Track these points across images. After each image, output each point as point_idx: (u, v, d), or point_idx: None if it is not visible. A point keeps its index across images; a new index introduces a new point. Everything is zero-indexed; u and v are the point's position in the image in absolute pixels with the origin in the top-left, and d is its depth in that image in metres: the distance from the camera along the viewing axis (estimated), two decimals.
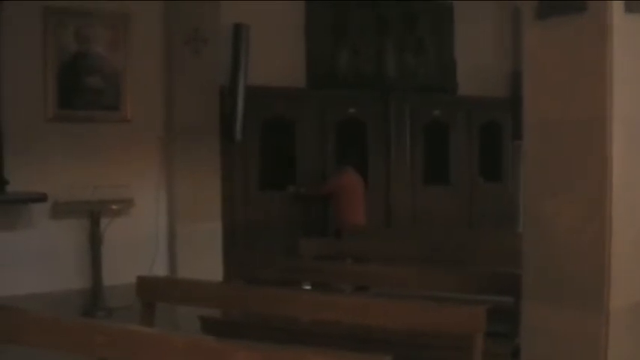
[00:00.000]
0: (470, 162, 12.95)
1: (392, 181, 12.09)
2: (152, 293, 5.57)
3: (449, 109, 12.67)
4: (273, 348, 3.50)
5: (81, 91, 9.36)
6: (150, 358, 3.77)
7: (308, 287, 6.64)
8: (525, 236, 4.40)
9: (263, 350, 3.41)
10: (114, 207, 9.31)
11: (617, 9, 3.93)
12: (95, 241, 9.24)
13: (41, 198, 8.74)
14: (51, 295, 8.80)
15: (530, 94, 4.32)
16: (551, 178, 4.21)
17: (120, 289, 9.09)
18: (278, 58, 10.76)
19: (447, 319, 4.62)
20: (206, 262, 9.55)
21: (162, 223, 9.93)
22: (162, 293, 5.60)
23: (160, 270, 9.66)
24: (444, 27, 12.58)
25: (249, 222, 10.63)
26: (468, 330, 4.52)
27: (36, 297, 8.53)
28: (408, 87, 12.13)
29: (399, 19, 12.03)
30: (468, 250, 7.82)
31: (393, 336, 5.09)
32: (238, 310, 5.90)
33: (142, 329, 4.04)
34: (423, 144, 12.47)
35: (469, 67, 12.58)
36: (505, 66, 12.94)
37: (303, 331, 5.66)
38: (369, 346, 4.96)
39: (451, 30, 12.64)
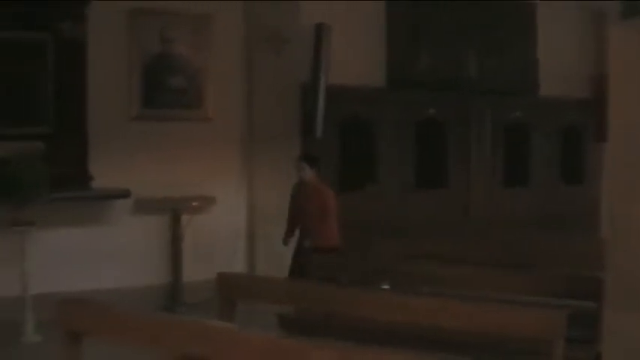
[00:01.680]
0: (550, 164, 12.79)
1: (471, 183, 12.00)
2: (232, 290, 5.65)
3: (530, 110, 12.53)
4: (349, 347, 3.52)
5: (164, 90, 9.54)
6: (228, 354, 3.82)
7: (386, 287, 6.64)
8: (608, 240, 4.32)
9: (340, 349, 3.43)
10: (195, 204, 9.45)
11: None
12: (176, 238, 9.39)
13: (124, 194, 8.94)
14: (132, 290, 8.97)
15: (616, 96, 4.25)
16: (636, 181, 4.13)
17: (199, 286, 9.24)
18: (358, 57, 10.76)
19: (525, 322, 4.58)
20: (284, 261, 9.60)
21: (241, 220, 10.05)
22: (242, 290, 5.68)
23: (239, 267, 9.77)
24: (526, 28, 12.44)
25: None
26: (548, 335, 4.47)
27: (117, 292, 8.71)
28: (489, 88, 12.02)
29: (480, 19, 11.93)
30: (543, 253, 7.71)
31: (469, 338, 5.06)
32: (315, 309, 5.92)
33: (221, 325, 4.09)
34: (503, 145, 12.35)
35: (551, 68, 12.42)
36: (587, 67, 12.74)
37: (380, 331, 5.66)
38: (445, 348, 4.95)
39: (533, 31, 12.50)
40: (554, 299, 5.59)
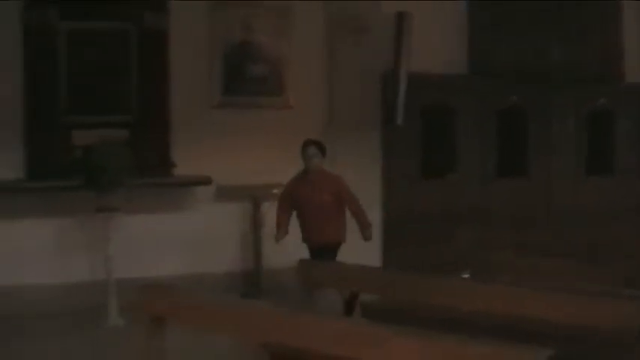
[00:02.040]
0: (637, 152, 12.49)
1: (553, 172, 11.81)
2: (312, 277, 5.68)
3: (614, 97, 12.26)
4: (430, 335, 3.50)
5: (245, 78, 9.62)
6: (310, 340, 3.84)
7: (466, 276, 6.60)
8: None
9: (420, 337, 3.42)
10: (275, 191, 9.47)
11: None
12: (256, 225, 9.46)
13: (206, 182, 9.05)
14: (211, 276, 9.08)
15: None
16: None
17: (279, 273, 9.30)
18: (439, 45, 10.66)
19: (608, 313, 4.50)
20: (364, 249, 9.58)
21: None
22: (323, 277, 5.70)
23: None
24: (610, 14, 12.17)
25: (410, 209, 10.58)
26: (631, 325, 4.39)
27: (197, 278, 8.84)
28: (572, 75, 11.80)
29: (564, 6, 11.71)
30: (628, 244, 7.56)
31: (550, 329, 4.99)
32: (398, 297, 5.91)
33: (303, 313, 4.11)
34: (586, 134, 12.11)
35: (636, 55, 12.13)
36: None
37: (460, 320, 5.63)
38: (525, 338, 4.88)
39: (618, 17, 12.22)
40: (636, 291, 5.49)
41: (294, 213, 8.11)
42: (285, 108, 9.78)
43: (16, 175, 8.66)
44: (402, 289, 5.51)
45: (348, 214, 8.14)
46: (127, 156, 7.96)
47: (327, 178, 8.01)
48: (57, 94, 8.82)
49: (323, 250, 7.76)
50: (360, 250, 9.00)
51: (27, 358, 7.10)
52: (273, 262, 9.40)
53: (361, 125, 9.95)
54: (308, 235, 8.02)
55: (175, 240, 9.12)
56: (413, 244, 10.23)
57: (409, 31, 10.23)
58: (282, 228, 8.04)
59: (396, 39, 10.23)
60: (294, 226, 8.12)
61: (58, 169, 8.57)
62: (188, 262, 9.09)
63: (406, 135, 10.49)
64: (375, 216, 10.04)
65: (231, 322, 4.28)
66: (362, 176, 9.97)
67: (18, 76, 8.71)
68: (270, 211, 9.41)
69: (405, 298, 5.83)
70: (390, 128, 10.25)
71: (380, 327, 3.59)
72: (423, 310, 5.86)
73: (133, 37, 9.08)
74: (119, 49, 9.07)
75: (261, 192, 9.43)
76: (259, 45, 9.67)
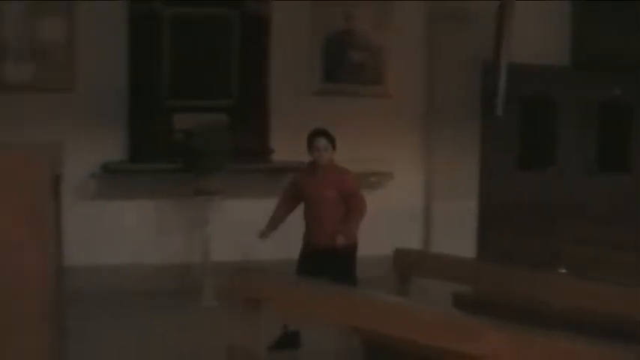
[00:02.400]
0: None
1: None
2: (408, 266, 5.69)
3: None
4: (524, 330, 3.48)
5: (345, 66, 9.65)
6: (404, 329, 3.86)
7: (563, 271, 6.52)
8: None
9: (513, 331, 3.40)
10: (372, 179, 9.53)
11: None
12: None
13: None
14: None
15: None
16: None
17: (373, 261, 9.31)
18: (542, 35, 10.49)
19: None
20: (459, 240, 9.55)
21: (418, 198, 10.06)
22: (419, 266, 5.70)
23: (413, 244, 9.77)
24: None
25: (507, 201, 10.47)
26: None
27: (291, 263, 8.91)
28: None
29: None
30: None
31: None
32: (491, 290, 5.87)
33: (398, 301, 4.13)
34: None
35: None
36: None
37: (554, 316, 5.56)
38: (622, 338, 4.80)
39: None
40: None
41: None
42: (385, 97, 9.78)
43: (120, 158, 8.88)
44: (496, 281, 5.47)
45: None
46: (227, 140, 8.08)
47: (342, 175, 7.20)
48: (160, 79, 9.00)
49: (321, 254, 6.94)
50: (454, 242, 9.00)
51: (122, 335, 7.29)
52: (369, 250, 9.42)
53: (460, 116, 9.89)
54: (307, 235, 7.24)
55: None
56: (508, 236, 10.12)
57: (511, 20, 10.10)
58: (271, 224, 7.37)
59: (497, 28, 10.11)
60: None
61: (159, 152, 8.78)
62: (282, 248, 9.15)
63: (505, 126, 10.38)
64: (470, 207, 10.01)
65: (326, 306, 4.32)
66: (459, 167, 9.94)
67: (123, 62, 8.91)
68: (367, 199, 9.47)
69: (499, 291, 5.80)
70: (489, 119, 10.15)
71: (476, 319, 3.58)
72: (517, 304, 5.83)
73: (235, 23, 9.21)
74: (221, 35, 9.21)
75: (358, 179, 9.43)
76: (360, 33, 9.70)
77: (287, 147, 9.14)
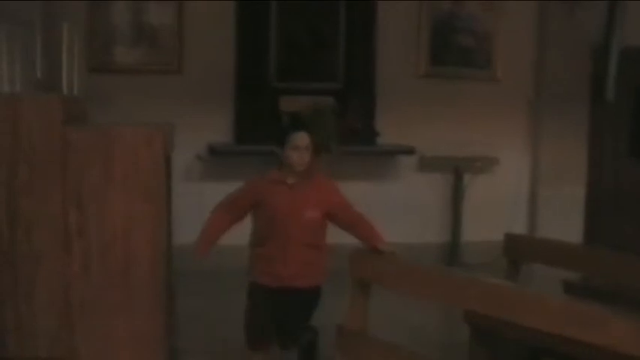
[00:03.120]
0: None
1: None
2: (518, 251, 5.61)
3: None
4: None
5: (453, 49, 9.54)
6: (520, 315, 3.81)
7: None
8: None
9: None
10: (478, 164, 9.44)
11: None
12: (457, 197, 9.44)
13: (409, 151, 9.08)
14: (410, 246, 9.06)
15: None
16: None
17: (477, 247, 9.25)
18: None
19: None
20: (566, 227, 9.38)
21: (524, 183, 9.91)
22: (529, 252, 5.62)
23: (519, 231, 9.63)
24: None
25: (616, 188, 10.22)
26: None
27: (397, 247, 8.88)
28: None
29: None
30: None
31: None
32: (604, 278, 5.75)
33: (514, 286, 4.06)
34: None
35: None
36: None
37: None
38: None
39: None
40: None
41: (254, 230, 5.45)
42: (492, 81, 9.64)
43: (226, 140, 8.97)
44: (608, 270, 5.36)
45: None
46: (335, 123, 8.08)
47: (324, 187, 5.42)
48: (267, 61, 9.05)
49: (282, 295, 5.14)
50: (560, 229, 8.85)
51: (224, 311, 7.38)
52: (474, 236, 9.37)
53: (569, 101, 9.68)
54: (261, 269, 5.30)
55: (377, 208, 9.16)
56: (617, 225, 9.91)
57: (624, 2, 9.84)
58: (207, 240, 5.39)
59: (609, 10, 9.86)
60: None
61: (265, 133, 8.83)
62: (389, 231, 9.13)
63: (616, 112, 10.11)
64: (578, 193, 9.83)
65: (435, 288, 4.31)
66: (567, 152, 9.76)
67: (231, 44, 8.99)
68: (471, 184, 9.40)
69: (611, 279, 5.67)
70: (599, 104, 9.92)
71: (599, 308, 3.50)
72: (628, 293, 5.69)
73: (342, 5, 9.18)
74: (328, 18, 9.20)
75: (463, 164, 9.40)
76: (468, 16, 9.57)
77: (393, 131, 9.14)
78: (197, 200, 8.63)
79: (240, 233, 8.84)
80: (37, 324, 5.09)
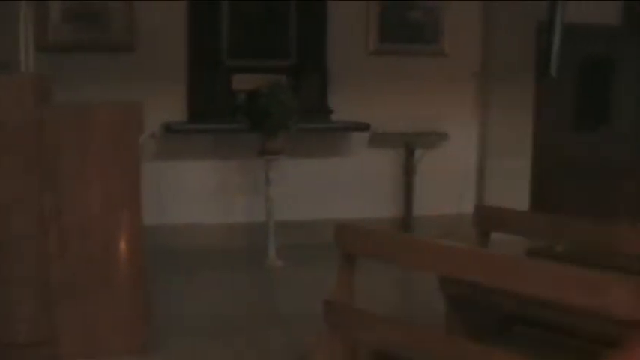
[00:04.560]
0: None
1: None
2: (488, 222, 5.74)
3: None
4: None
5: (402, 25, 9.62)
6: (504, 279, 3.91)
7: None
8: None
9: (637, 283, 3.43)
10: (428, 139, 9.57)
11: None
12: (409, 172, 9.55)
13: (364, 128, 9.16)
14: (364, 221, 9.14)
15: None
16: None
17: (429, 220, 9.40)
18: None
19: None
20: (513, 199, 9.57)
21: (472, 157, 10.06)
22: (498, 223, 5.75)
23: (469, 205, 9.81)
24: None
25: (559, 162, 10.46)
26: None
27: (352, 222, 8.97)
28: None
29: None
30: None
31: None
32: (568, 244, 5.92)
33: (512, 256, 4.11)
34: None
35: None
36: None
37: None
38: None
39: None
40: None
41: None
42: (440, 55, 9.75)
43: (180, 118, 8.92)
44: (575, 237, 5.54)
45: None
46: (292, 100, 8.09)
47: None
48: (219, 39, 9.02)
49: None
50: (508, 200, 9.02)
51: (201, 290, 7.40)
52: (426, 210, 9.51)
53: (515, 75, 9.84)
54: None
55: (331, 185, 9.32)
56: (562, 194, 10.17)
57: None
58: None
59: None
60: None
61: (219, 112, 8.83)
62: (341, 207, 9.22)
63: (560, 86, 10.34)
64: (524, 166, 10.03)
65: (419, 257, 4.39)
66: (513, 126, 9.94)
67: (183, 22, 8.93)
68: (422, 159, 9.52)
69: (579, 246, 5.84)
70: (543, 79, 10.10)
71: (595, 273, 3.61)
72: (594, 259, 5.86)
73: None
74: None
75: (413, 139, 9.50)
76: None
77: (345, 107, 9.19)
78: (155, 179, 8.62)
79: (192, 215, 8.97)
80: (15, 309, 5.04)
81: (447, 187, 9.69)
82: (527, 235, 5.91)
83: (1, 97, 4.87)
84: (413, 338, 4.36)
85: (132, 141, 5.17)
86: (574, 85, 10.65)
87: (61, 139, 4.96)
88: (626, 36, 10.80)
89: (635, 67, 10.92)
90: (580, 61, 10.62)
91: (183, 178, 8.95)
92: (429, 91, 9.65)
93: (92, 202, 5.04)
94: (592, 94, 10.83)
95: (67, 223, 5.01)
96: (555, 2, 9.86)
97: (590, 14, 10.35)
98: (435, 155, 9.69)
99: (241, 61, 9.04)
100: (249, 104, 8.19)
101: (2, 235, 4.96)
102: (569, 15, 9.90)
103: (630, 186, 10.15)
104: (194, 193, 8.97)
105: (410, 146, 9.50)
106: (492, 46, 9.92)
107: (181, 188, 8.91)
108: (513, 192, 9.72)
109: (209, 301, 7.04)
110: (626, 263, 5.45)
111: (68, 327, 5.09)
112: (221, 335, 5.93)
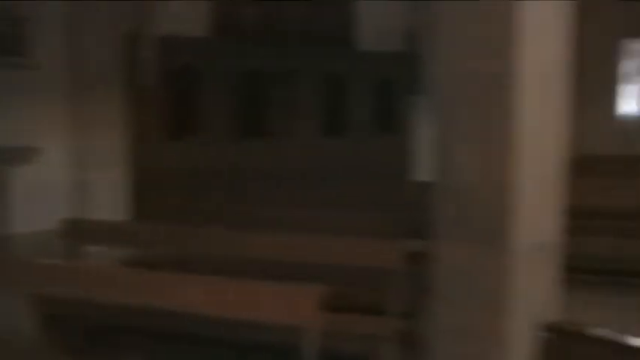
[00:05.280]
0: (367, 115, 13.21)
1: (295, 132, 12.26)
2: (80, 235, 5.74)
3: (349, 62, 12.84)
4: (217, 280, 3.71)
5: None
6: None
7: None
8: (437, 183, 4.58)
9: (208, 282, 3.63)
10: (22, 155, 9.28)
11: None
12: (3, 189, 9.23)
13: None
14: None
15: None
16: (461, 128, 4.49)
17: (32, 237, 9.15)
18: (186, 8, 10.79)
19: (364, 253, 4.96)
20: (114, 208, 9.65)
21: (69, 171, 9.95)
22: (88, 234, 5.77)
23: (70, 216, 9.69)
24: None
25: (156, 171, 10.61)
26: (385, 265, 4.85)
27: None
28: (311, 37, 12.24)
29: None
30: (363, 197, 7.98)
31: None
32: (169, 250, 6.04)
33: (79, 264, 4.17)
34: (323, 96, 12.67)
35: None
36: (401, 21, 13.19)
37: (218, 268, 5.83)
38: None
39: None
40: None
41: None
42: (29, 69, 9.53)
43: None
44: (166, 241, 5.71)
45: None
46: None
47: None
48: None
49: None
50: (110, 211, 9.11)
51: None
52: (21, 227, 9.25)
53: (107, 87, 9.92)
54: None
55: None
56: (161, 201, 10.34)
57: None
58: None
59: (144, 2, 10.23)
60: None
61: None
62: None
63: (154, 97, 10.52)
64: (124, 177, 10.13)
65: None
66: (109, 137, 10.00)
67: None
68: (16, 175, 9.23)
69: (168, 251, 6.00)
70: (135, 90, 10.24)
71: (172, 275, 3.76)
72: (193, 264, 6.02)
73: None
74: None
75: (7, 155, 9.18)
76: (3, 4, 9.35)
77: None
78: None
79: None
80: None
81: (44, 202, 9.52)
82: (125, 245, 5.99)
83: None
84: None
85: None
86: (166, 95, 10.89)
87: None
88: (214, 46, 11.26)
89: (223, 77, 11.41)
90: (173, 72, 10.88)
91: None
92: (19, 105, 9.41)
93: None
94: (185, 104, 11.17)
95: None
96: (146, 13, 10.05)
97: (181, 26, 10.69)
98: (30, 170, 9.44)
99: None
100: None
101: None
102: (160, 26, 10.18)
103: (218, 194, 10.62)
104: None
105: (3, 162, 9.19)
106: (83, 58, 9.88)
107: None
108: (116, 203, 9.80)
109: None
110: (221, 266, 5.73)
111: None
112: None
